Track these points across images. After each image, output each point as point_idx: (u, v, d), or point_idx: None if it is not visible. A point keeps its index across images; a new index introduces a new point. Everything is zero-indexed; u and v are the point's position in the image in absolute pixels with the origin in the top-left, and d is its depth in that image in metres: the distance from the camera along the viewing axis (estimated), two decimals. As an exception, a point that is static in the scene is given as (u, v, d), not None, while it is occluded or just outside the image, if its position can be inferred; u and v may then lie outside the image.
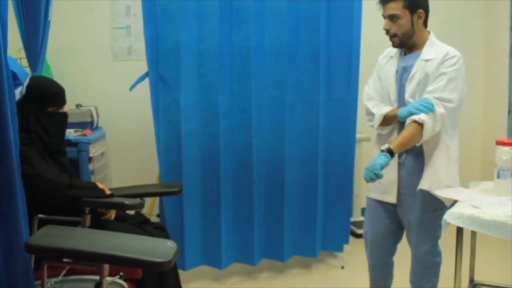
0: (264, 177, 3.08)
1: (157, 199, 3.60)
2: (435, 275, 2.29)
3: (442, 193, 2.10)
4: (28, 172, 1.80)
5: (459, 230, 1.98)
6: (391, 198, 2.26)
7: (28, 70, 2.57)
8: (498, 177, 2.09)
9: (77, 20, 3.73)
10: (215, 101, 2.91)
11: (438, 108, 2.05)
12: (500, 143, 2.11)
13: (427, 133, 2.04)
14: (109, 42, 3.83)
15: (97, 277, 1.60)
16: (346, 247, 3.36)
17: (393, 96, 2.23)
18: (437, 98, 2.06)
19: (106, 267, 1.59)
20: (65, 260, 1.70)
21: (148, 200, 3.57)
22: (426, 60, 2.14)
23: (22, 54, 2.78)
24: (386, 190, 2.26)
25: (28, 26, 2.61)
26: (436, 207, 2.17)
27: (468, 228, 1.91)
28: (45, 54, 2.79)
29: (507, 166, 2.06)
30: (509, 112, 4.05)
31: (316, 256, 3.26)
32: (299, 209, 3.18)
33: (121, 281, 1.86)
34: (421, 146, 2.15)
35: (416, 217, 2.21)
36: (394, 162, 2.15)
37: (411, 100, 2.15)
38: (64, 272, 1.84)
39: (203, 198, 3.01)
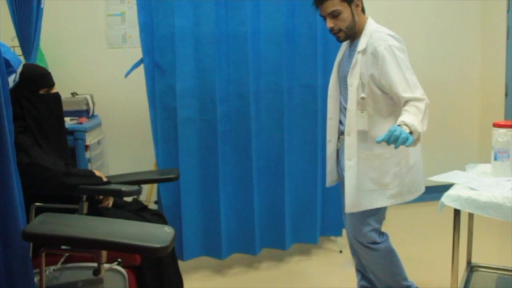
0: (263, 163, 3.06)
1: (154, 186, 3.60)
2: (384, 257, 2.25)
3: (438, 178, 2.10)
4: (24, 160, 1.80)
5: (456, 213, 1.98)
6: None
7: (22, 58, 2.54)
8: (495, 159, 2.10)
9: (71, 8, 3.69)
10: (212, 87, 2.88)
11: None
12: (497, 125, 2.11)
13: None
14: (104, 29, 3.79)
15: (95, 264, 1.60)
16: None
17: (331, 85, 2.28)
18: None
19: (104, 253, 1.59)
20: (63, 247, 1.70)
21: (145, 188, 3.57)
22: (361, 52, 2.08)
23: (16, 42, 2.75)
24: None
25: (20, 14, 2.57)
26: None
27: (465, 210, 1.91)
28: (39, 42, 2.76)
29: (504, 148, 2.07)
30: (506, 94, 4.04)
31: (317, 242, 3.27)
32: (299, 195, 3.17)
33: (119, 268, 1.86)
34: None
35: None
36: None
37: (355, 90, 2.09)
38: (62, 260, 1.84)
39: (202, 186, 3.00)
